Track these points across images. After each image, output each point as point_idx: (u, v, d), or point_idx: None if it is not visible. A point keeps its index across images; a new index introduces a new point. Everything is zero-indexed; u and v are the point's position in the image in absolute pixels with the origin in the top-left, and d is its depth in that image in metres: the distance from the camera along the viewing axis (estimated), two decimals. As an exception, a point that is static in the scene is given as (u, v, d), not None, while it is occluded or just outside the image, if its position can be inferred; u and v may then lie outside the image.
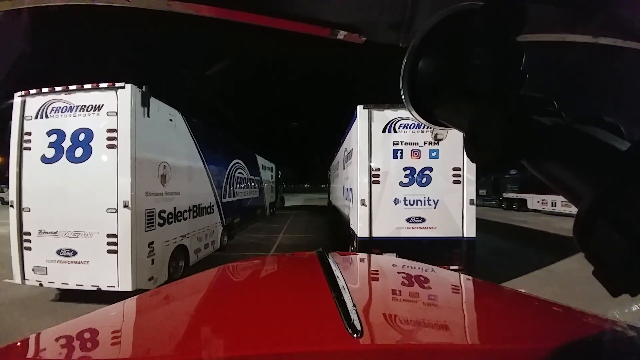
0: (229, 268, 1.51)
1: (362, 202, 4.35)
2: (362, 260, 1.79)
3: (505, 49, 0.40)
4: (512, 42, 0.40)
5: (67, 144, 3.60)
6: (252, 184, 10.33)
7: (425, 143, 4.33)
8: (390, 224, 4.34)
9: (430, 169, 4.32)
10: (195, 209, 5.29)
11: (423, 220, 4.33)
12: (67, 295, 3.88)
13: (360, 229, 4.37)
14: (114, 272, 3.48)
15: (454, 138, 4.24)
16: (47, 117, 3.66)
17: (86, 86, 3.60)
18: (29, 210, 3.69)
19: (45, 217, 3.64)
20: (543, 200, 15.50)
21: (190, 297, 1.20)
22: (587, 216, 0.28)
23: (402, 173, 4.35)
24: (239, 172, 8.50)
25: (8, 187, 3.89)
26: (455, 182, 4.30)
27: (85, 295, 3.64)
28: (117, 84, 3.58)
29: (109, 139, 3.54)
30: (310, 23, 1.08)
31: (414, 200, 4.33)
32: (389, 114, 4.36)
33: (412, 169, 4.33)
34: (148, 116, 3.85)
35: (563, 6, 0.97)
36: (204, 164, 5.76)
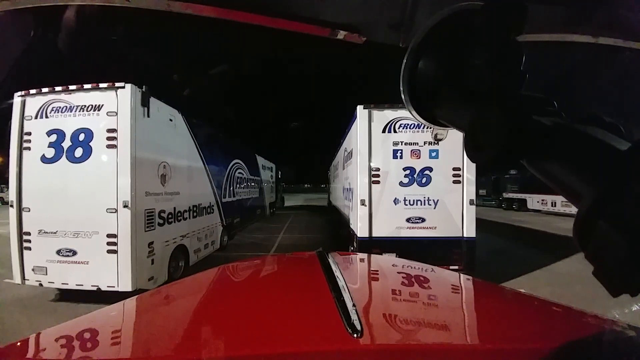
0: (229, 268, 1.51)
1: (362, 202, 4.35)
2: (362, 260, 1.79)
3: (505, 49, 0.40)
4: (512, 42, 0.40)
5: (67, 144, 3.60)
6: (252, 183, 10.33)
7: (425, 143, 4.33)
8: (390, 224, 4.34)
9: (430, 169, 4.31)
10: (195, 209, 5.29)
11: (423, 220, 4.33)
12: (67, 295, 3.88)
13: (360, 229, 4.37)
14: (113, 272, 3.48)
15: (454, 138, 4.24)
16: (47, 117, 3.66)
17: (86, 86, 3.60)
18: (29, 210, 3.69)
19: (45, 217, 3.64)
20: (543, 200, 15.51)
21: (190, 297, 1.20)
22: (587, 216, 0.28)
23: (402, 173, 4.34)
24: (239, 172, 8.50)
25: (8, 187, 3.88)
26: (455, 182, 4.29)
27: (85, 295, 3.64)
28: (117, 84, 3.58)
29: (108, 139, 3.54)
30: (310, 23, 1.08)
31: (414, 200, 4.33)
32: (389, 114, 4.36)
33: (412, 169, 4.33)
34: (148, 116, 3.85)
35: (563, 6, 0.97)
36: (204, 164, 5.76)
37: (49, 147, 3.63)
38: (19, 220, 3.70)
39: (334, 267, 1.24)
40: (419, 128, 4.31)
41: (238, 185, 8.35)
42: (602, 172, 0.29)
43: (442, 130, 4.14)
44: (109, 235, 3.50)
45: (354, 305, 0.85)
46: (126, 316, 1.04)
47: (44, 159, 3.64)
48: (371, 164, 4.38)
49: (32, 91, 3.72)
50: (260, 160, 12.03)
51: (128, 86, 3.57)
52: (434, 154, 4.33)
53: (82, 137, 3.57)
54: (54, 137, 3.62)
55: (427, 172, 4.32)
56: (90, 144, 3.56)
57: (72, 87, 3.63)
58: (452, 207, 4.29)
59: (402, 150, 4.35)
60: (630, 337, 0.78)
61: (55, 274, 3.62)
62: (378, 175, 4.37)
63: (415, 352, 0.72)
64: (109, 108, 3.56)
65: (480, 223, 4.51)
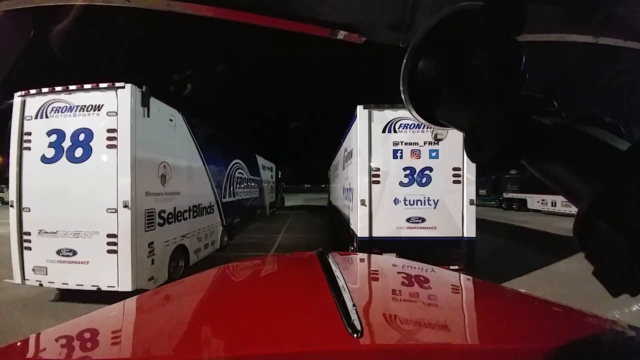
0: (229, 268, 1.51)
1: (362, 202, 4.35)
2: (362, 260, 1.79)
3: (505, 49, 0.40)
4: (512, 42, 0.40)
5: (67, 144, 3.60)
6: (252, 184, 10.33)
7: (425, 143, 4.33)
8: (390, 224, 4.34)
9: (430, 169, 4.31)
10: (195, 209, 5.29)
11: (423, 220, 4.33)
12: (67, 295, 3.88)
13: (360, 229, 4.37)
14: (114, 272, 3.48)
15: (454, 138, 4.24)
16: (47, 117, 3.66)
17: (86, 86, 3.60)
18: (29, 210, 3.69)
19: (45, 217, 3.64)
20: (543, 200, 15.50)
21: (190, 297, 1.20)
22: (587, 216, 0.28)
23: (402, 173, 4.34)
24: (239, 172, 8.50)
25: (8, 187, 3.88)
26: (455, 182, 4.29)
27: (85, 295, 3.64)
28: (117, 84, 3.58)
29: (109, 139, 3.54)
30: (310, 23, 1.08)
31: (414, 200, 4.33)
32: (389, 114, 4.36)
33: (412, 169, 4.33)
34: (148, 116, 3.85)
35: (563, 6, 0.97)
36: (204, 164, 5.76)
37: (49, 147, 3.63)
38: (19, 220, 3.70)
39: (334, 267, 1.24)
40: (419, 128, 4.31)
41: (238, 185, 8.35)
42: (602, 172, 0.29)
43: (442, 130, 4.14)
44: (109, 235, 3.50)
45: (354, 305, 0.85)
46: (126, 316, 1.04)
47: (44, 159, 3.64)
48: (371, 164, 4.38)
49: (32, 91, 3.72)
50: (260, 160, 12.02)
51: (128, 86, 3.57)
52: (434, 154, 4.32)
53: (82, 137, 3.57)
54: (54, 137, 3.62)
55: (427, 172, 4.31)
56: (90, 144, 3.56)
57: (72, 87, 3.63)
58: (452, 207, 4.29)
59: (402, 150, 4.35)
60: (630, 337, 0.78)
61: (55, 274, 3.61)
62: (378, 175, 4.37)
63: (415, 352, 0.72)
64: (109, 108, 3.56)
65: (480, 223, 4.51)
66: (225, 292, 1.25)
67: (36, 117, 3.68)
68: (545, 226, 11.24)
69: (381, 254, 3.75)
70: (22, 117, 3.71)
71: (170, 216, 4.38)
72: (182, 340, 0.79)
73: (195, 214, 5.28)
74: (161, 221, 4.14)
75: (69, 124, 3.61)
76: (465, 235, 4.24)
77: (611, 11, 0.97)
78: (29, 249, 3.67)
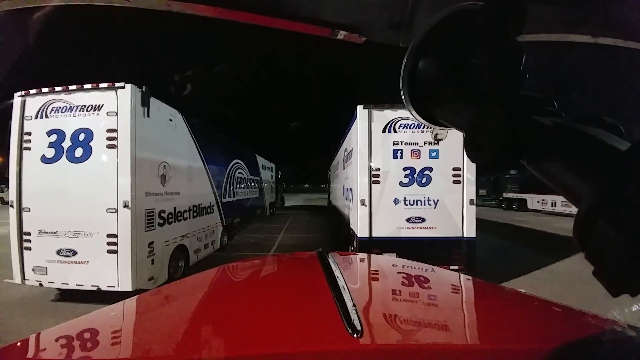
0: (229, 268, 1.51)
1: (362, 202, 4.35)
2: (362, 260, 1.79)
3: (505, 49, 0.40)
4: (512, 42, 0.40)
5: (67, 144, 3.60)
6: (252, 184, 10.33)
7: (425, 143, 4.33)
8: (390, 224, 4.34)
9: (430, 169, 4.32)
10: (195, 209, 5.29)
11: (423, 220, 4.33)
12: (67, 295, 3.88)
13: (360, 229, 4.37)
14: (114, 272, 3.48)
15: (454, 138, 4.24)
16: (47, 117, 3.66)
17: (86, 86, 3.60)
18: (29, 210, 3.69)
19: (45, 217, 3.63)
20: (543, 200, 15.50)
21: (190, 297, 1.20)
22: (587, 216, 0.28)
23: (402, 173, 4.35)
24: (239, 172, 8.50)
25: (8, 187, 3.88)
26: (455, 182, 4.30)
27: (85, 295, 3.64)
28: (117, 84, 3.58)
29: (109, 139, 3.54)
30: (310, 23, 1.08)
31: (414, 200, 4.33)
32: (389, 114, 4.36)
33: (412, 169, 4.33)
34: (148, 116, 3.85)
35: (563, 6, 0.97)
36: (204, 164, 5.76)
37: (49, 147, 3.62)
38: (19, 220, 3.70)
39: (334, 267, 1.24)
40: (419, 128, 4.31)
41: (238, 185, 8.35)
42: (602, 172, 0.29)
43: (442, 130, 4.14)
44: (109, 235, 3.50)
45: (354, 305, 0.85)
46: (126, 316, 1.04)
47: (44, 159, 3.64)
48: (371, 164, 4.38)
49: (32, 91, 3.72)
50: (260, 160, 12.02)
51: (128, 86, 3.57)
52: (434, 154, 4.33)
53: (82, 137, 3.57)
54: (54, 137, 3.62)
55: (427, 172, 4.32)
56: (90, 144, 3.56)
57: (72, 87, 3.63)
58: (452, 207, 4.29)
59: (402, 150, 4.35)
60: (630, 337, 0.78)
61: (55, 274, 3.61)
62: (378, 175, 4.37)
63: (415, 352, 0.72)
64: (109, 108, 3.56)
65: (480, 223, 4.50)
66: (225, 292, 1.25)
67: (36, 117, 3.68)
68: (545, 226, 11.24)
69: (381, 254, 3.75)
70: (22, 117, 3.71)
71: (170, 216, 4.38)
72: (182, 340, 0.79)
73: (195, 214, 5.28)
74: (161, 221, 4.14)
75: (69, 124, 3.61)
76: (465, 235, 4.25)
77: (611, 11, 0.97)
78: (29, 249, 3.67)
